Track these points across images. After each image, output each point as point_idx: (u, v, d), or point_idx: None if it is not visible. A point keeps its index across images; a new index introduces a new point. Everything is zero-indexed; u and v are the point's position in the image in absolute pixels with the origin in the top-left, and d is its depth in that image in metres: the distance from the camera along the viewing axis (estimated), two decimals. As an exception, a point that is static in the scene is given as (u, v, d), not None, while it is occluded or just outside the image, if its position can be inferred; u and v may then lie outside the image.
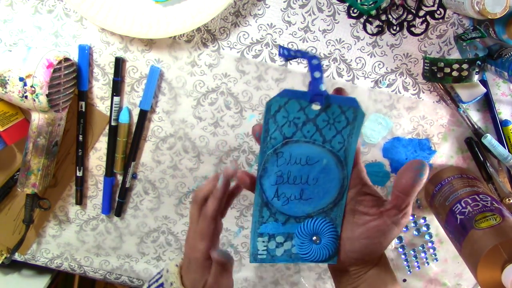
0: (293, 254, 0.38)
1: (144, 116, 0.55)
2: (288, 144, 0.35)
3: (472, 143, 0.56)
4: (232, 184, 0.41)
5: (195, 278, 0.42)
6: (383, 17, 0.52)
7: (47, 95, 0.47)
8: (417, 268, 0.65)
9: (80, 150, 0.56)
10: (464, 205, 0.52)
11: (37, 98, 0.47)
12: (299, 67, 0.53)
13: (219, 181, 0.40)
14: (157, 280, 0.48)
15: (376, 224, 0.36)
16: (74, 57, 0.52)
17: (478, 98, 0.53)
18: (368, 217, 0.36)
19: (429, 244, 0.64)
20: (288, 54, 0.35)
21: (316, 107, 0.34)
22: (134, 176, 0.58)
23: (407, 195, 0.33)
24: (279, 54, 0.36)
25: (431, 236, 0.63)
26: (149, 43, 0.52)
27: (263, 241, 0.37)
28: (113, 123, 0.55)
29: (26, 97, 0.47)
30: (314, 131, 0.35)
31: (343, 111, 0.34)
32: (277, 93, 0.34)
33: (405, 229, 0.63)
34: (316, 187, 0.36)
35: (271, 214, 0.37)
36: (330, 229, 0.37)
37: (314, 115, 0.34)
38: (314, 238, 0.37)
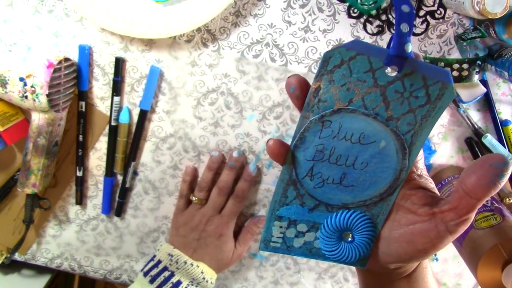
0: (314, 249, 0.31)
1: (144, 116, 0.55)
2: (340, 113, 0.27)
3: (472, 143, 0.56)
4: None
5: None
6: (383, 17, 0.52)
7: (47, 95, 0.47)
8: (417, 268, 0.65)
9: (80, 150, 0.56)
10: (464, 205, 0.52)
11: (37, 98, 0.47)
12: (300, 67, 0.53)
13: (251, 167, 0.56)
14: (156, 266, 0.52)
15: (423, 227, 0.28)
16: (74, 57, 0.52)
17: (478, 98, 0.53)
18: (415, 217, 0.29)
19: (429, 244, 0.63)
20: None
21: (392, 72, 0.26)
22: (135, 173, 0.58)
23: (476, 199, 0.25)
24: None
25: (431, 236, 0.63)
26: (149, 43, 0.52)
27: (281, 227, 0.31)
28: (113, 123, 0.55)
29: (26, 97, 0.47)
30: (379, 103, 0.27)
31: (427, 85, 0.26)
32: (343, 43, 0.26)
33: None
34: (363, 174, 0.29)
35: (298, 195, 0.30)
36: (367, 227, 0.30)
37: (386, 82, 0.26)
38: (345, 234, 0.31)
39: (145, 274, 0.53)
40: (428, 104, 0.27)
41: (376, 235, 0.31)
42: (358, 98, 0.27)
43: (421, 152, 0.30)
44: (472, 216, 0.27)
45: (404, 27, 0.24)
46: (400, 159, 0.28)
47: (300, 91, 0.27)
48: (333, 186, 0.29)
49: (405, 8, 0.24)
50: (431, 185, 0.30)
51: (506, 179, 0.24)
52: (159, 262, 0.54)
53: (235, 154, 0.56)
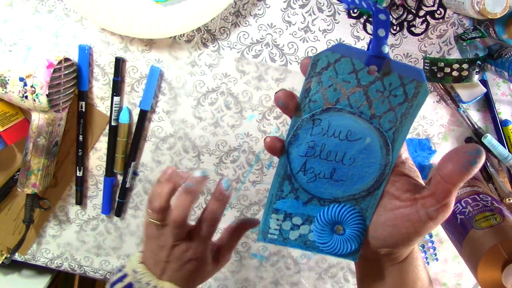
0: (308, 241, 0.33)
1: (144, 116, 0.55)
2: (328, 112, 0.30)
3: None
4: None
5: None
6: (383, 17, 0.52)
7: (47, 95, 0.47)
8: (417, 268, 0.65)
9: (80, 150, 0.56)
10: (464, 205, 0.52)
11: (37, 98, 0.47)
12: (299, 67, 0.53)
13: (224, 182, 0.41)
14: (121, 280, 0.43)
15: (406, 212, 0.30)
16: (74, 57, 0.52)
17: (478, 98, 0.53)
18: (398, 203, 0.31)
19: (429, 244, 0.64)
20: (351, 1, 0.30)
21: (372, 72, 0.29)
22: (135, 173, 0.58)
23: (452, 184, 0.28)
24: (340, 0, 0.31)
25: (431, 236, 0.63)
26: (149, 43, 0.52)
27: (277, 219, 0.33)
28: (113, 123, 0.55)
29: (26, 97, 0.47)
30: (363, 102, 0.30)
31: (403, 84, 0.29)
32: (328, 47, 0.28)
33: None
34: (352, 169, 0.31)
35: (293, 189, 0.32)
36: (357, 220, 0.32)
37: (368, 82, 0.29)
38: (337, 227, 0.33)
39: (111, 287, 0.43)
40: (406, 102, 0.29)
41: (366, 228, 0.33)
42: (344, 98, 0.30)
43: (404, 143, 0.32)
44: (451, 202, 0.29)
45: (381, 32, 0.28)
46: (384, 155, 0.31)
47: (289, 103, 0.30)
48: (325, 181, 0.32)
49: (382, 16, 0.28)
50: (415, 173, 0.32)
51: (479, 165, 0.26)
52: (125, 276, 0.44)
53: (198, 173, 0.42)
